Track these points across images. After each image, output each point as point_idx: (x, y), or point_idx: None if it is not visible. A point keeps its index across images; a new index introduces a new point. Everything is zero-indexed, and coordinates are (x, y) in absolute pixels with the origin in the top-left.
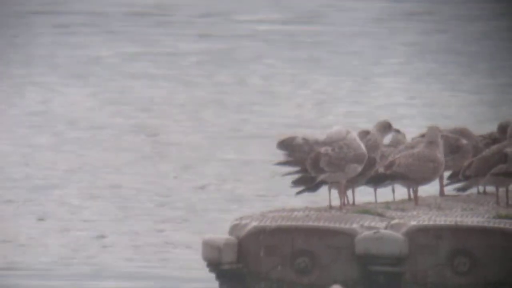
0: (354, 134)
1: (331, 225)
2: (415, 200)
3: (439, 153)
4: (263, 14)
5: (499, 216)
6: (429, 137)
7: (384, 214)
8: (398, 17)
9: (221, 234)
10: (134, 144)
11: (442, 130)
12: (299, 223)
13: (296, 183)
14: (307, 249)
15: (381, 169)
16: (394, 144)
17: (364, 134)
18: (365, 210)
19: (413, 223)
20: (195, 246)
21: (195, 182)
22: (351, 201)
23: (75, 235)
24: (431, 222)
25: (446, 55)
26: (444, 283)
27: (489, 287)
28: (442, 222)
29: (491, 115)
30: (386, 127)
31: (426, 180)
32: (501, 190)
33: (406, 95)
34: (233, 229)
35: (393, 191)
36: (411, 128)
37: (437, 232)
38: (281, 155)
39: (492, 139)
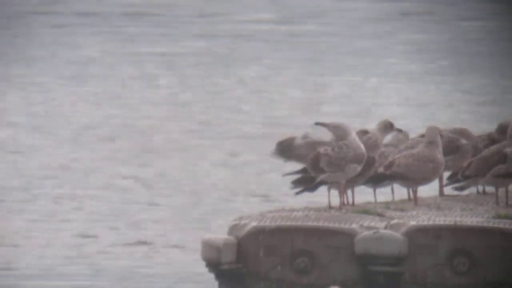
0: (354, 134)
1: (331, 225)
2: (414, 200)
3: (439, 154)
4: (263, 14)
5: (499, 216)
6: (429, 137)
7: (383, 214)
8: (397, 17)
9: (220, 234)
10: (133, 144)
11: (441, 130)
12: (299, 223)
13: (296, 183)
14: (306, 249)
15: (380, 169)
16: (395, 143)
17: (363, 133)
18: (365, 210)
19: (413, 223)
20: (194, 246)
21: (195, 182)
22: (350, 201)
23: (73, 235)
24: (431, 222)
25: (446, 55)
26: (444, 283)
27: (488, 287)
28: (442, 222)
29: (491, 115)
30: (387, 126)
31: (425, 180)
32: (501, 190)
33: (406, 95)
34: (233, 229)
35: (393, 191)
36: (410, 128)
37: (436, 232)
38: (280, 159)
39: (490, 139)
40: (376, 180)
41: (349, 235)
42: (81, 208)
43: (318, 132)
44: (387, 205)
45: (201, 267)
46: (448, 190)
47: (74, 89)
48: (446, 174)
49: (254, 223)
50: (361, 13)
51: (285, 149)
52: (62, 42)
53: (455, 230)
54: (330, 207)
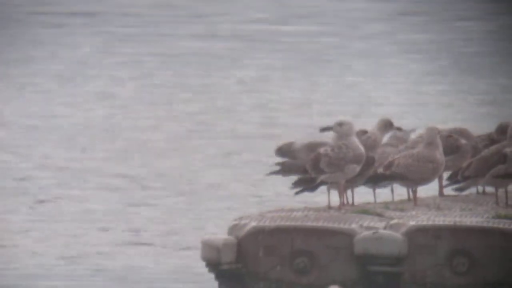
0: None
1: (330, 225)
2: (414, 200)
3: (439, 154)
4: (263, 14)
5: (498, 216)
6: (428, 138)
7: (383, 214)
8: (397, 17)
9: (220, 234)
10: (132, 143)
11: (441, 130)
12: (298, 223)
13: (296, 184)
14: (306, 249)
15: (380, 169)
16: (395, 143)
17: (362, 133)
18: (364, 210)
19: (412, 223)
20: (194, 246)
21: (194, 182)
22: (350, 201)
23: (72, 235)
24: (430, 222)
25: (445, 55)
26: (443, 283)
27: (488, 287)
28: (441, 222)
29: (491, 115)
30: (387, 125)
31: (425, 180)
32: (500, 190)
33: (405, 95)
34: (232, 229)
35: (392, 191)
36: (412, 128)
37: (436, 232)
38: (278, 160)
39: (490, 140)
40: (376, 180)
41: (349, 235)
42: (80, 208)
43: (324, 137)
44: (386, 205)
45: (201, 267)
46: (447, 190)
47: (73, 89)
48: (446, 174)
49: (253, 223)
50: (361, 13)
51: (285, 154)
52: (62, 42)
53: (455, 230)
54: (329, 207)
